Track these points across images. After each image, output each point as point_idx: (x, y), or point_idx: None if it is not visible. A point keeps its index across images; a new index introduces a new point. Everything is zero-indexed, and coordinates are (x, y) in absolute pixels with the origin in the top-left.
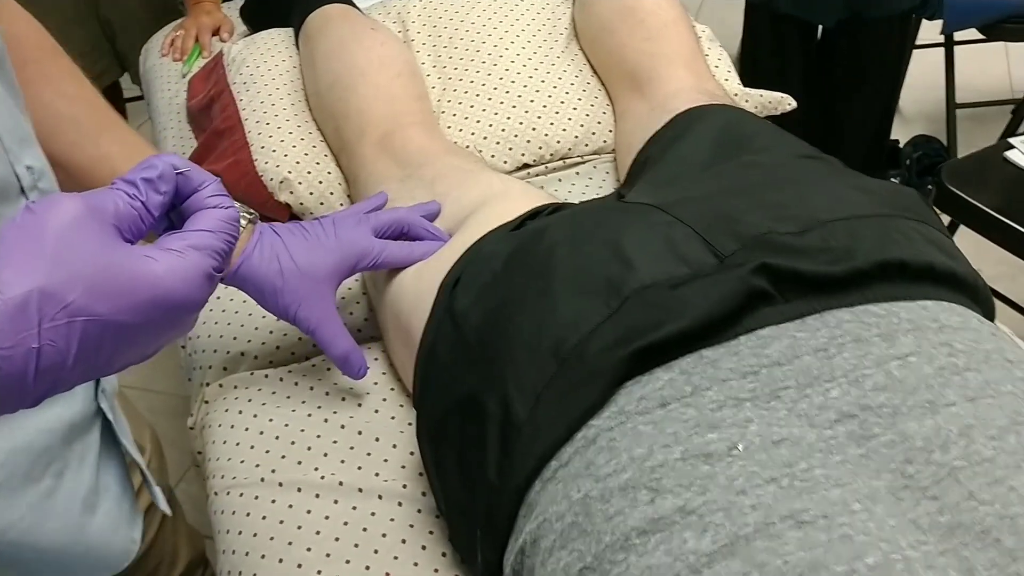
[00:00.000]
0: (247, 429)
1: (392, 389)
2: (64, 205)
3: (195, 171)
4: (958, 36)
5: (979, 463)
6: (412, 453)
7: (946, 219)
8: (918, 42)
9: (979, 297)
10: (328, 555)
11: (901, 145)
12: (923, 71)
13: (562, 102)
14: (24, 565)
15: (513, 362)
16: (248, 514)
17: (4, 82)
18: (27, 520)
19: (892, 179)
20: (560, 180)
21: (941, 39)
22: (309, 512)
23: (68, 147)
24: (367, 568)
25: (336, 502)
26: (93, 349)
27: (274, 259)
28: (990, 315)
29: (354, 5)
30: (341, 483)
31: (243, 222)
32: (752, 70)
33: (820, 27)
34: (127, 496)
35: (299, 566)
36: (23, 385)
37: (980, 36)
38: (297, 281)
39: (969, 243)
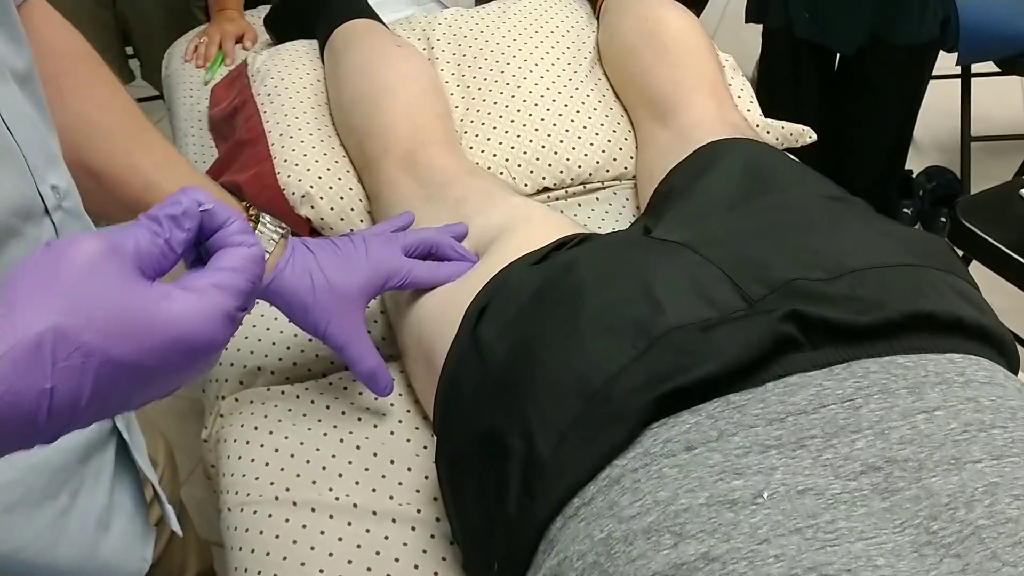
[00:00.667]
0: (262, 445)
1: (408, 411)
2: (84, 244)
3: (220, 208)
4: (975, 68)
5: (1004, 523)
6: (427, 477)
7: (959, 253)
8: (935, 72)
9: (1006, 351)
10: None
11: (915, 175)
12: (939, 101)
13: (584, 126)
14: None
15: (537, 399)
16: (261, 532)
17: (32, 99)
18: (44, 539)
19: (905, 210)
20: (580, 205)
21: (958, 70)
22: (322, 533)
23: (100, 156)
24: None
25: (349, 524)
26: (108, 390)
27: (306, 275)
28: (1015, 368)
29: (380, 21)
30: (355, 505)
31: (276, 236)
32: (768, 94)
33: (838, 54)
34: (140, 513)
35: None
36: (34, 425)
37: (997, 69)
38: (328, 298)
39: (980, 278)
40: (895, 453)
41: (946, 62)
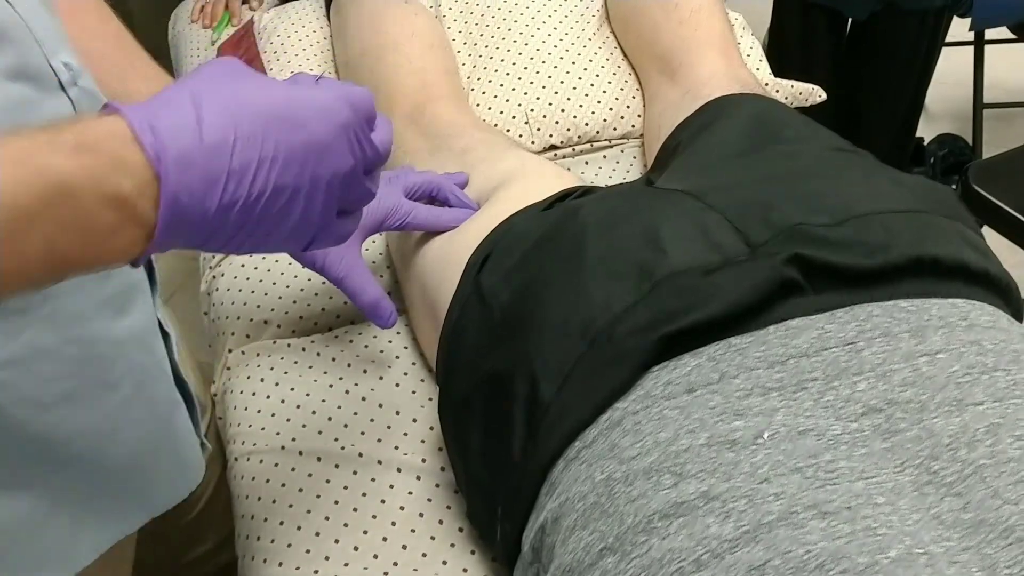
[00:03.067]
0: (268, 397)
1: (414, 363)
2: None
3: None
4: (989, 35)
5: (1005, 462)
6: (432, 427)
7: None
8: (948, 39)
9: (1010, 298)
10: (346, 524)
11: (926, 143)
12: (951, 69)
13: (592, 84)
14: (105, 474)
15: (541, 342)
16: (268, 480)
17: None
18: (106, 426)
19: None
20: (587, 163)
21: (971, 37)
22: (328, 481)
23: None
24: (384, 540)
25: (355, 473)
26: (249, 136)
27: None
28: (1019, 316)
29: None
30: (361, 454)
31: None
32: (779, 59)
33: (850, 19)
34: (188, 410)
35: (317, 534)
36: (196, 158)
37: (1011, 36)
38: None
39: (992, 244)
40: (897, 395)
41: (959, 29)
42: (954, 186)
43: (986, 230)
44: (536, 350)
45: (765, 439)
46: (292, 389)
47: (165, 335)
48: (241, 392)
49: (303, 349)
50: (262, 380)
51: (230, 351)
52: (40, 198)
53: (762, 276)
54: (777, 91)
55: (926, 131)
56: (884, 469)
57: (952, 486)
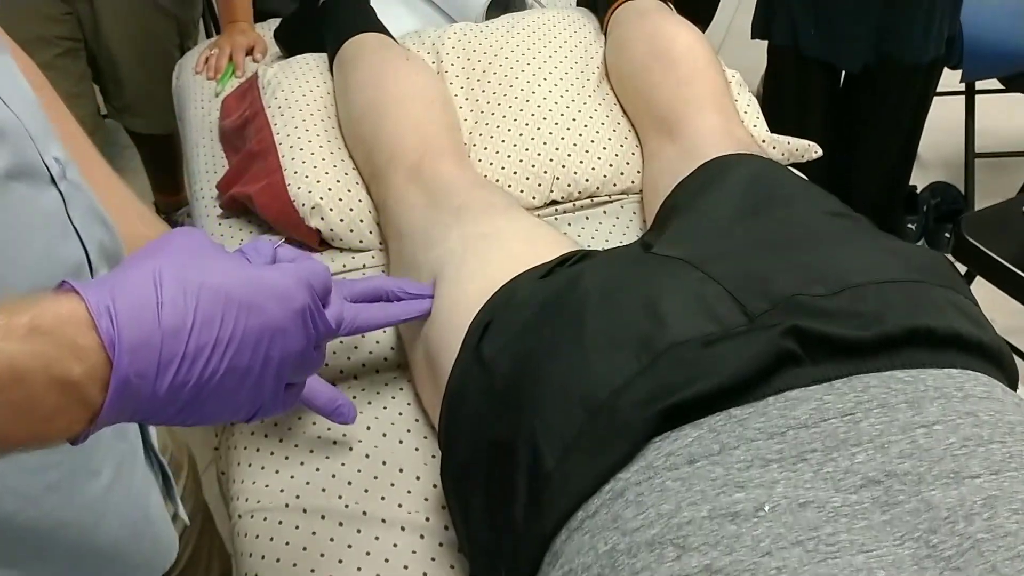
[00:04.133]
0: (272, 453)
1: (417, 420)
2: (186, 230)
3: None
4: (979, 85)
5: (1003, 536)
6: (435, 485)
7: (962, 269)
8: (940, 89)
9: (1004, 366)
10: None
11: (919, 191)
12: (943, 117)
13: (592, 140)
14: (87, 563)
15: (542, 412)
16: (271, 539)
17: (21, 76)
18: (90, 514)
19: (909, 225)
20: (587, 218)
21: (962, 87)
22: (332, 540)
23: None
24: None
25: (359, 531)
26: (210, 315)
27: None
28: (1014, 383)
29: (389, 35)
30: (364, 512)
31: None
32: (774, 110)
33: (844, 71)
34: (163, 492)
35: None
36: (152, 347)
37: (1001, 86)
38: None
39: (984, 294)
40: (895, 467)
41: (950, 79)
42: (947, 235)
43: (979, 280)
44: (538, 420)
45: (766, 511)
46: (296, 445)
47: None
48: (244, 448)
49: None
50: (266, 436)
51: None
52: None
53: (761, 348)
54: (774, 148)
55: (919, 179)
56: (884, 542)
57: (951, 560)
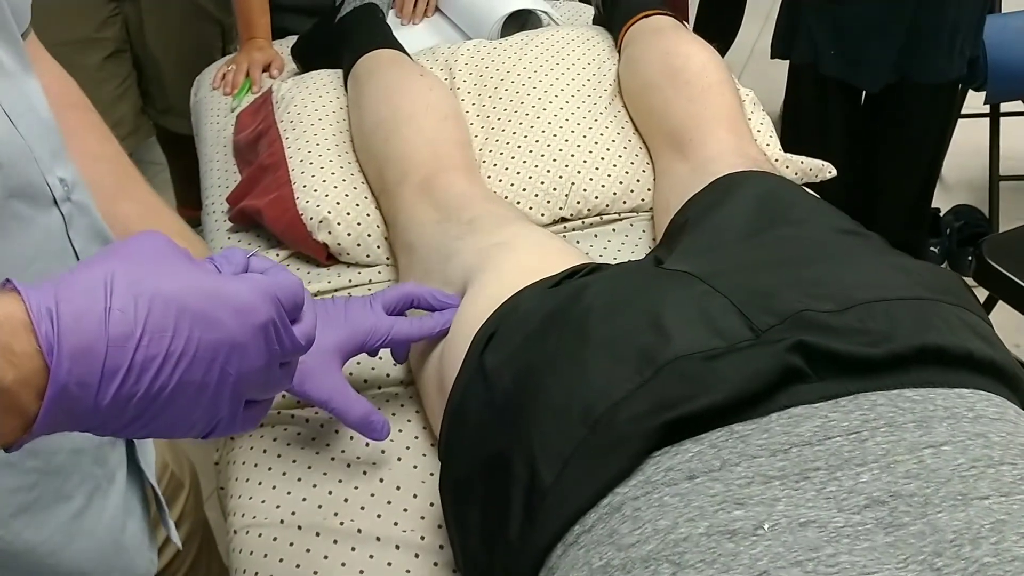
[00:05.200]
0: (270, 469)
1: (416, 437)
2: (149, 234)
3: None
4: (1004, 107)
5: (1010, 561)
6: (432, 504)
7: (985, 293)
8: (964, 110)
9: (1017, 386)
10: None
11: (942, 214)
12: (968, 139)
13: (603, 158)
14: None
15: (541, 425)
16: (266, 555)
17: (38, 94)
18: (57, 539)
19: (932, 248)
20: (596, 236)
21: (987, 108)
22: (326, 558)
23: None
24: None
25: (353, 549)
26: (160, 324)
27: None
28: None
29: (404, 51)
30: (360, 530)
31: None
32: (794, 130)
33: (864, 91)
34: (146, 516)
35: None
36: (96, 355)
37: None
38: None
39: (1007, 318)
40: (901, 487)
41: (975, 101)
42: (970, 258)
43: (1000, 305)
44: (536, 434)
45: (766, 530)
46: (294, 461)
47: (129, 441)
48: (243, 463)
49: (307, 421)
50: (264, 451)
51: None
52: None
53: (765, 363)
54: (787, 167)
55: (942, 202)
56: (887, 565)
57: None
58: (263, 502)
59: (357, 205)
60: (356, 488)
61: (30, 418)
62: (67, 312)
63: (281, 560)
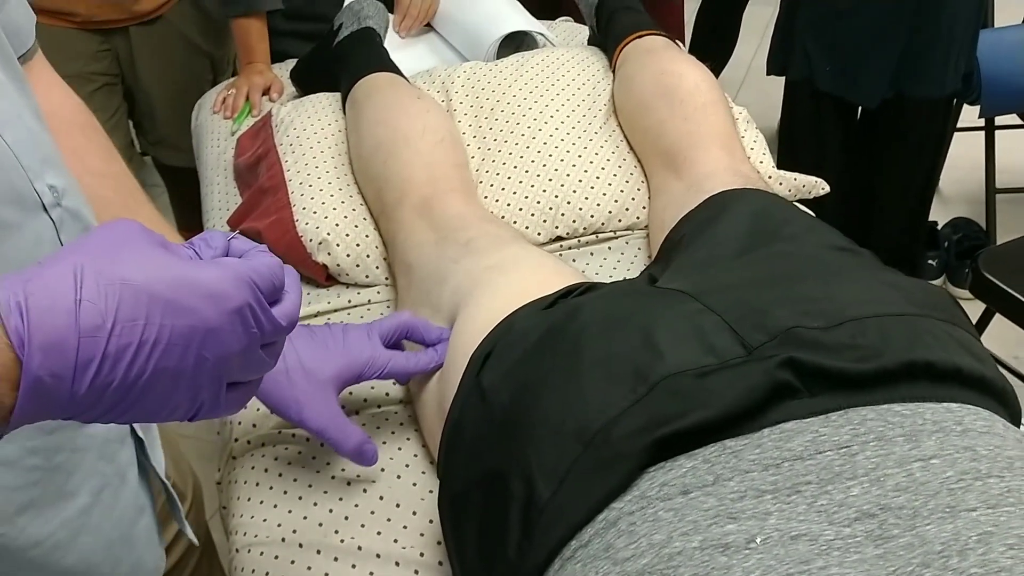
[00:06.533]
0: (271, 488)
1: (416, 455)
2: (120, 222)
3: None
4: (999, 120)
5: (996, 572)
6: (431, 521)
7: (982, 306)
8: (960, 124)
9: (1006, 400)
10: None
11: (940, 227)
12: (964, 153)
13: (598, 177)
14: None
15: (538, 443)
16: (268, 573)
17: (29, 105)
18: (61, 535)
19: (931, 261)
20: (592, 254)
21: (982, 122)
22: (327, 575)
23: None
24: None
25: (354, 567)
26: (131, 315)
27: (280, 358)
28: (1016, 420)
29: (401, 74)
30: (360, 548)
31: None
32: (791, 146)
33: (860, 107)
34: (154, 513)
35: None
36: (67, 348)
37: (1021, 121)
38: (301, 379)
39: (1004, 330)
40: (890, 500)
41: (971, 114)
42: (968, 271)
43: (998, 318)
44: (532, 451)
45: (758, 543)
46: (295, 480)
47: (138, 440)
48: (245, 482)
49: (307, 440)
50: (266, 471)
51: (236, 440)
52: None
53: (757, 379)
54: (780, 184)
55: (940, 215)
56: None
57: None
58: (264, 520)
59: (356, 226)
60: (356, 506)
61: (7, 410)
62: (36, 305)
63: None
